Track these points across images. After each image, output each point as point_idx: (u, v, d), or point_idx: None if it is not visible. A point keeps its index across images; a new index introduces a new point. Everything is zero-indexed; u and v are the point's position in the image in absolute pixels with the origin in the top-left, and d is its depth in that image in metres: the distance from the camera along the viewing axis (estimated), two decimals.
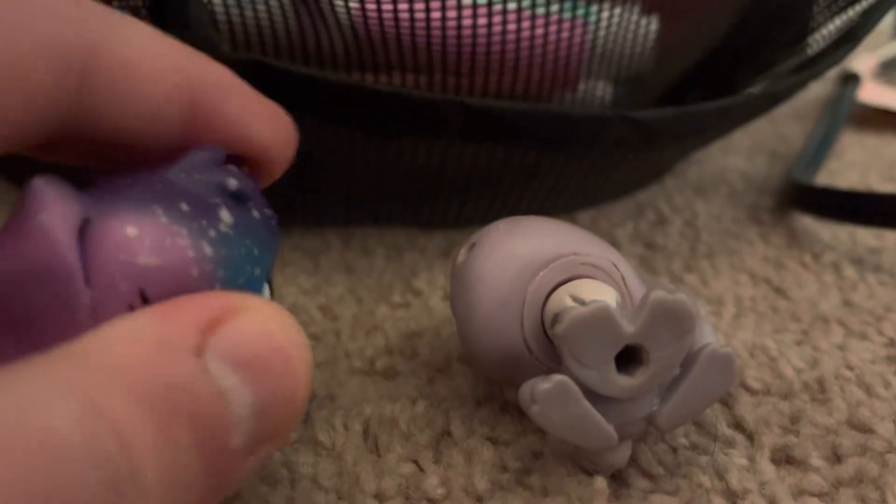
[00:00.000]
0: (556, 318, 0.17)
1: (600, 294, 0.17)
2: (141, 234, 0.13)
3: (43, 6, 0.13)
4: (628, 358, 0.16)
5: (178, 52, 0.16)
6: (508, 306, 0.18)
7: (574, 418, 0.16)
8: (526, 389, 0.16)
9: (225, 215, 0.15)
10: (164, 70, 0.15)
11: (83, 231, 0.13)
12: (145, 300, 0.13)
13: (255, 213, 0.16)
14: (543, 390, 0.15)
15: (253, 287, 0.15)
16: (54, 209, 0.12)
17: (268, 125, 0.17)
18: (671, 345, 0.16)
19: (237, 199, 0.15)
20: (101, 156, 0.16)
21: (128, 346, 0.12)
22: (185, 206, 0.14)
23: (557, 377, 0.16)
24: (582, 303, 0.16)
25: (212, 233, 0.14)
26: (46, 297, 0.12)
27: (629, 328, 0.16)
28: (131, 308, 0.13)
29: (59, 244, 0.12)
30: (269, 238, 0.16)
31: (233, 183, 0.15)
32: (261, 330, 0.13)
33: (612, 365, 0.16)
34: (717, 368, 0.16)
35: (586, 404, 0.16)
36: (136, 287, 0.13)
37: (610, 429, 0.16)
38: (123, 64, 0.14)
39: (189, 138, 0.16)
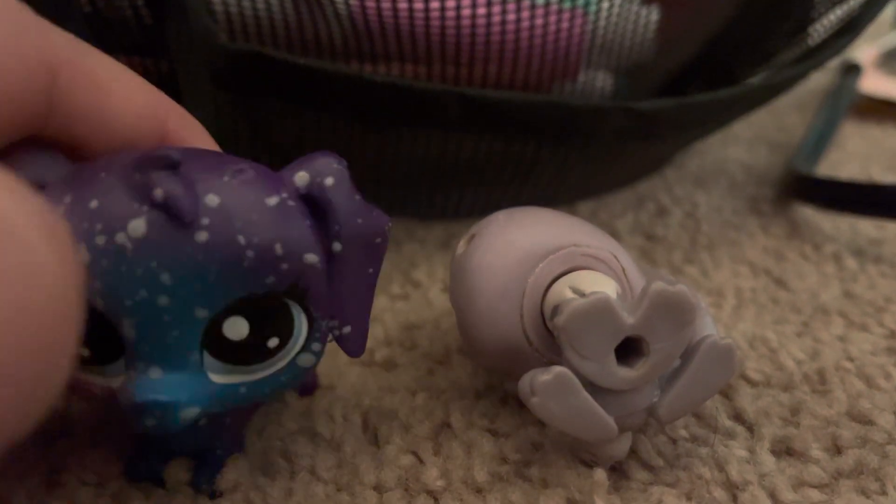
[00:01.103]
0: (556, 309, 0.17)
1: (600, 286, 0.17)
2: None
3: (6, 13, 0.14)
4: (628, 349, 0.16)
5: (143, 81, 0.16)
6: (508, 298, 0.18)
7: (573, 410, 0.16)
8: (525, 381, 0.16)
9: (136, 226, 0.13)
10: (132, 92, 0.15)
11: None
12: None
13: (203, 237, 0.14)
14: (543, 382, 0.15)
15: (154, 316, 0.14)
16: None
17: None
18: (671, 336, 0.16)
19: (168, 213, 0.13)
20: None
21: None
22: (94, 203, 0.13)
23: (557, 369, 0.15)
24: (582, 294, 0.16)
25: (99, 240, 0.13)
26: None
27: (629, 320, 0.16)
28: None
29: None
30: (210, 270, 0.14)
31: (159, 193, 0.13)
32: None
33: (612, 356, 0.16)
34: (718, 360, 0.16)
35: (586, 396, 0.16)
36: None
37: (610, 420, 0.16)
38: (94, 80, 0.15)
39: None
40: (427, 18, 0.24)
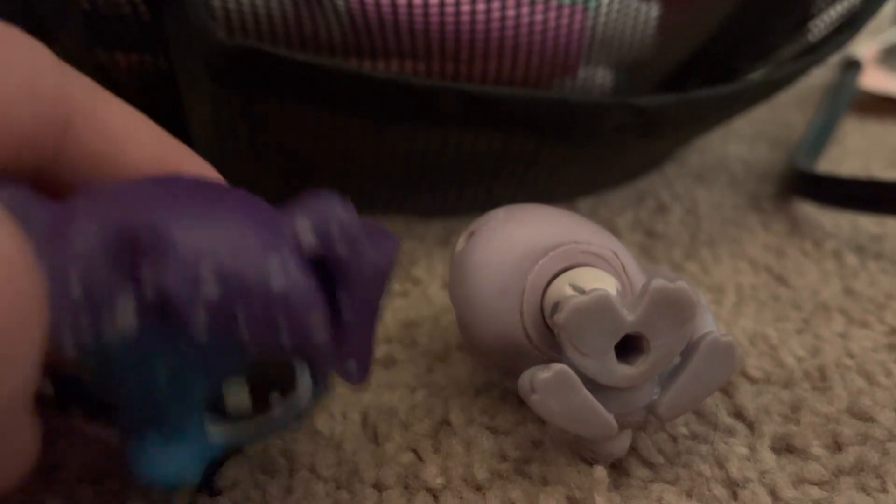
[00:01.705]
0: (556, 306, 0.17)
1: (601, 283, 0.17)
2: None
3: (27, 54, 0.14)
4: (628, 347, 0.16)
5: (155, 128, 0.16)
6: (508, 295, 0.18)
7: (573, 407, 0.16)
8: (525, 378, 0.16)
9: (125, 314, 0.12)
10: (142, 141, 0.15)
11: None
12: None
13: (200, 320, 0.12)
14: (543, 379, 0.15)
15: (149, 396, 0.13)
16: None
17: None
18: (671, 333, 0.16)
19: (161, 306, 0.12)
20: None
21: None
22: (75, 275, 0.12)
23: (557, 366, 0.15)
24: (582, 291, 0.16)
25: (83, 319, 0.12)
26: None
27: (629, 317, 0.15)
28: None
29: None
30: (209, 349, 0.13)
31: (150, 291, 0.12)
32: None
33: (612, 354, 0.16)
34: (718, 357, 0.16)
35: (586, 393, 0.16)
36: None
37: (610, 418, 0.16)
38: (105, 128, 0.15)
39: None
40: (426, 14, 0.24)
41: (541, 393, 0.15)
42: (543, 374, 0.15)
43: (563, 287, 0.17)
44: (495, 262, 0.18)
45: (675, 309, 0.16)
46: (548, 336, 0.18)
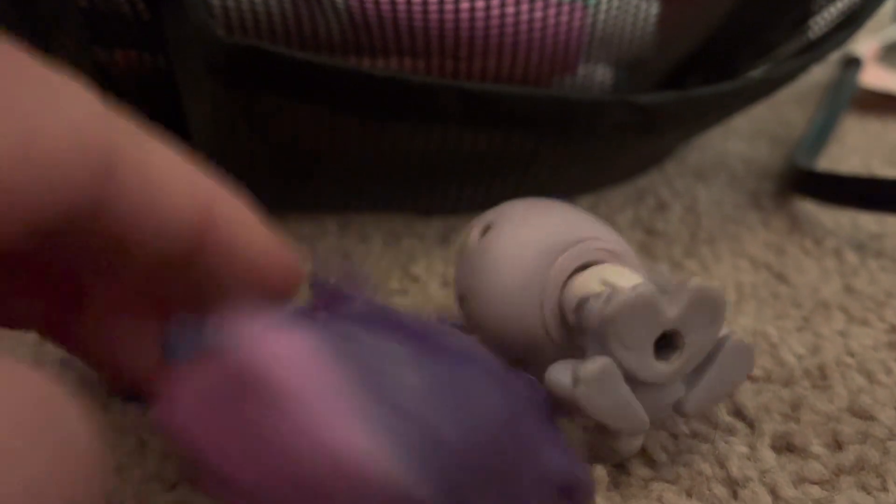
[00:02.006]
0: (584, 302, 0.17)
1: (629, 279, 0.17)
2: None
3: (74, 99, 0.13)
4: (661, 344, 0.16)
5: (197, 172, 0.15)
6: (528, 290, 0.18)
7: (617, 401, 0.16)
8: (562, 371, 0.16)
9: None
10: (182, 185, 0.15)
11: None
12: None
13: None
14: (590, 371, 0.15)
15: None
16: None
17: (271, 261, 0.16)
18: (704, 332, 0.16)
19: None
20: (85, 263, 0.16)
21: None
22: None
23: (602, 359, 0.16)
24: (613, 287, 0.16)
25: None
26: None
27: (670, 313, 0.16)
28: None
29: None
30: None
31: None
32: None
33: (651, 349, 0.16)
34: (739, 358, 0.17)
35: (626, 389, 0.16)
36: None
37: (644, 414, 0.16)
38: (147, 175, 0.14)
39: (191, 258, 0.15)
40: (426, 12, 0.24)
41: (586, 385, 0.15)
42: (590, 366, 0.15)
43: (589, 282, 0.17)
44: (518, 256, 0.18)
45: (710, 309, 0.16)
46: (565, 331, 0.18)
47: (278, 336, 0.12)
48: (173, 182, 0.15)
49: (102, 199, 0.14)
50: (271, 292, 0.16)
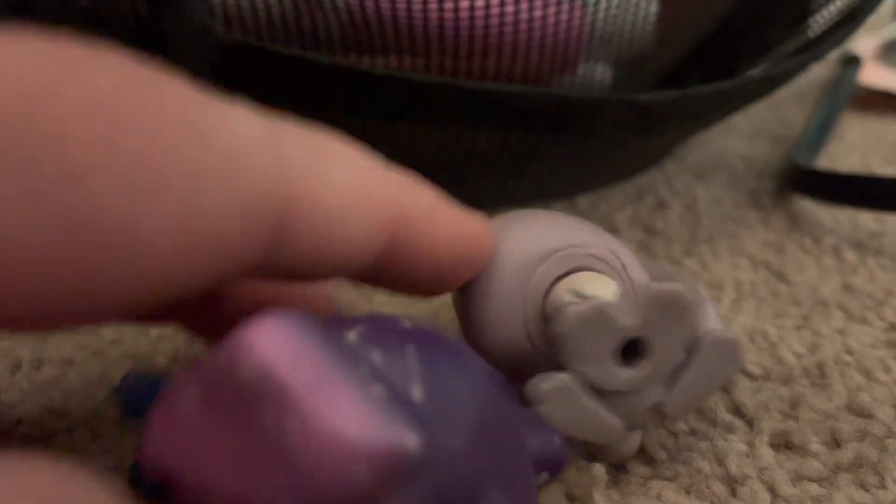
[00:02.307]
0: (554, 313, 0.17)
1: (600, 287, 0.17)
2: None
3: (234, 156, 0.12)
4: (630, 349, 0.16)
5: (388, 183, 0.15)
6: (511, 301, 0.18)
7: (579, 415, 0.16)
8: (531, 389, 0.16)
9: None
10: (370, 209, 0.14)
11: None
12: None
13: None
14: (545, 390, 0.15)
15: None
16: None
17: (460, 250, 0.16)
18: (673, 334, 0.16)
19: None
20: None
21: None
22: None
23: (559, 376, 0.15)
24: (582, 297, 0.16)
25: None
26: None
27: (627, 322, 0.15)
28: None
29: None
30: None
31: None
32: None
33: (613, 359, 0.16)
34: (721, 354, 0.16)
35: (589, 401, 0.16)
36: None
37: (615, 422, 0.16)
38: (326, 210, 0.13)
39: (379, 271, 0.15)
40: (425, 10, 0.24)
41: (545, 403, 0.15)
42: (546, 384, 0.15)
43: (562, 293, 0.17)
44: (496, 270, 0.18)
45: (674, 309, 0.16)
46: (552, 341, 0.18)
47: (263, 325, 0.11)
48: (350, 212, 0.13)
49: (274, 249, 0.13)
50: (451, 276, 0.16)
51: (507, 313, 0.18)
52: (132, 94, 0.11)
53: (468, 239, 0.16)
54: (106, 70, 0.11)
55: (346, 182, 0.14)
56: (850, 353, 0.22)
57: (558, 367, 0.16)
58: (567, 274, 0.17)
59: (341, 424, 0.10)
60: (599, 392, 0.16)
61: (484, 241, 0.17)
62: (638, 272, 0.18)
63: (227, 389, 0.11)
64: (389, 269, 0.15)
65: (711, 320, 0.21)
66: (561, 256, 0.17)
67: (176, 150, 0.11)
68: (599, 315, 0.15)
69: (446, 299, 0.24)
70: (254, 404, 0.10)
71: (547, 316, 0.17)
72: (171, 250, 0.11)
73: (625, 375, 0.16)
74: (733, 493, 0.17)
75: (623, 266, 0.18)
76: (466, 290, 0.18)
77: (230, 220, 0.11)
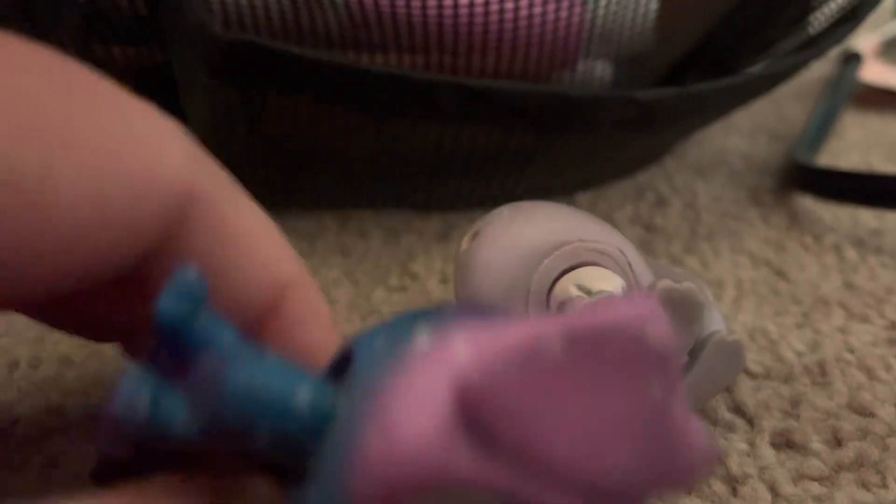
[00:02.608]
0: (561, 307, 0.16)
1: (606, 282, 0.17)
2: None
3: (153, 132, 0.12)
4: None
5: (285, 249, 0.15)
6: (514, 295, 0.17)
7: None
8: None
9: None
10: (259, 251, 0.14)
11: None
12: None
13: None
14: None
15: None
16: None
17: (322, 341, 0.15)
18: (679, 334, 0.16)
19: None
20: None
21: None
22: None
23: None
24: (588, 292, 0.16)
25: None
26: None
27: None
28: None
29: None
30: None
31: None
32: None
33: None
34: (726, 356, 0.16)
35: None
36: None
37: None
38: (223, 230, 0.13)
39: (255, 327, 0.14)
40: (424, 7, 0.24)
41: None
42: None
43: (568, 287, 0.17)
44: (500, 262, 0.18)
45: (682, 309, 0.16)
46: None
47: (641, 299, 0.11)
48: (257, 251, 0.14)
49: (168, 245, 0.13)
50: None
51: (509, 306, 0.17)
52: (59, 65, 0.12)
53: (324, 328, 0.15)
54: (34, 50, 0.12)
55: (248, 220, 0.14)
56: (851, 351, 0.22)
57: None
58: (572, 268, 0.17)
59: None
60: None
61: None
62: (643, 270, 0.18)
63: (615, 351, 0.10)
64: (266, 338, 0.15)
65: (717, 321, 0.21)
66: (567, 251, 0.17)
67: (97, 114, 0.12)
68: None
69: (447, 297, 0.24)
70: (643, 373, 0.10)
71: (551, 309, 0.17)
72: (89, 211, 0.11)
73: None
74: (734, 492, 0.17)
75: (629, 263, 0.18)
76: (469, 280, 0.18)
77: (144, 197, 0.12)
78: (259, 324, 0.14)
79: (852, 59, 0.46)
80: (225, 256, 0.13)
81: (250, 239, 0.14)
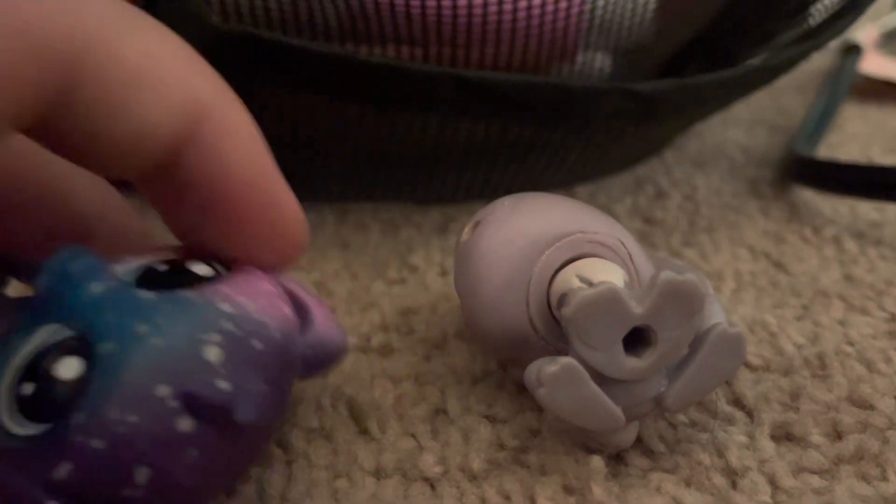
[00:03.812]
0: (563, 298, 0.16)
1: (608, 274, 0.17)
2: None
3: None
4: (636, 339, 0.16)
5: (197, 71, 0.14)
6: (514, 286, 0.17)
7: (581, 401, 0.16)
8: (532, 372, 0.16)
9: None
10: (170, 85, 0.13)
11: None
12: None
13: None
14: (550, 373, 0.15)
15: None
16: None
17: (264, 207, 0.14)
18: (679, 326, 0.16)
19: None
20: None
21: None
22: None
23: (564, 359, 0.15)
24: (589, 283, 0.16)
25: None
26: None
27: (637, 309, 0.15)
28: None
29: None
30: None
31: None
32: None
33: (620, 347, 0.16)
34: (726, 348, 0.16)
35: (593, 387, 0.16)
36: None
37: (617, 410, 0.16)
38: (121, 67, 0.12)
39: (171, 171, 0.14)
40: None
41: (548, 387, 0.15)
42: (550, 367, 0.15)
43: (569, 278, 0.17)
44: (501, 253, 0.18)
45: (684, 301, 0.15)
46: (554, 327, 0.17)
47: None
48: (146, 80, 0.13)
49: (66, 99, 0.12)
50: (258, 246, 0.15)
51: (510, 296, 0.17)
52: None
53: (268, 184, 0.15)
54: None
55: (147, 49, 0.13)
56: (850, 343, 0.22)
57: (558, 353, 0.16)
58: (573, 259, 0.17)
59: None
60: (601, 380, 0.16)
61: (295, 221, 0.15)
62: (643, 261, 0.18)
63: None
64: (182, 174, 0.14)
65: (717, 314, 0.21)
66: (568, 242, 0.17)
67: None
68: (612, 299, 0.15)
69: (446, 290, 0.24)
70: None
71: (552, 300, 0.17)
72: None
73: (630, 364, 0.16)
74: (734, 485, 0.17)
75: (629, 255, 0.18)
76: (469, 271, 0.18)
77: (22, 46, 0.11)
78: (175, 156, 0.13)
79: (852, 50, 0.46)
80: (123, 91, 0.12)
81: (150, 68, 0.13)
